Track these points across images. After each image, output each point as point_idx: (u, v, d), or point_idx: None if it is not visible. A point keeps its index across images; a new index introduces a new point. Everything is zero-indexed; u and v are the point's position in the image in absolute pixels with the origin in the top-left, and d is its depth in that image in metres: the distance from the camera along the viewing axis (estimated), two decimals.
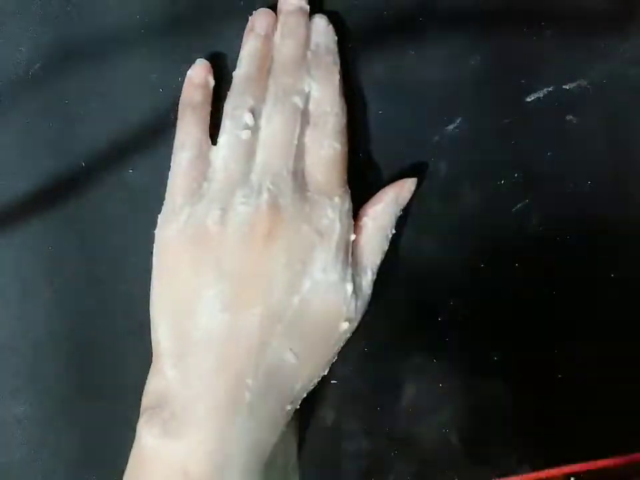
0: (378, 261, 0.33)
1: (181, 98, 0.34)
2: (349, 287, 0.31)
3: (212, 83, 0.34)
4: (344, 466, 0.35)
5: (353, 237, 0.32)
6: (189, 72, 0.34)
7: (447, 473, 0.36)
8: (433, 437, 0.35)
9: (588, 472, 0.35)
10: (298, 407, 0.32)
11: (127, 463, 0.31)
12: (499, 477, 0.35)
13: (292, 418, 0.32)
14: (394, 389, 0.35)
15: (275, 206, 0.31)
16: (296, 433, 0.35)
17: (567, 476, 0.36)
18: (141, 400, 0.31)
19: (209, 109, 0.33)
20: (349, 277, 0.32)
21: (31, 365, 0.35)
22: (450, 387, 0.35)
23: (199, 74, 0.33)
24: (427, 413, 0.35)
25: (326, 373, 0.33)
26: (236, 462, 0.29)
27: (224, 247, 0.30)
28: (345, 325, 0.32)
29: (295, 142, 0.32)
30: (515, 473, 0.35)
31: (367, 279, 0.33)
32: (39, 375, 0.35)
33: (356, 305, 0.32)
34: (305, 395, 0.32)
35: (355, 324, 0.32)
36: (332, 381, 0.35)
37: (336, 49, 0.33)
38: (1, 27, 0.35)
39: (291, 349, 0.31)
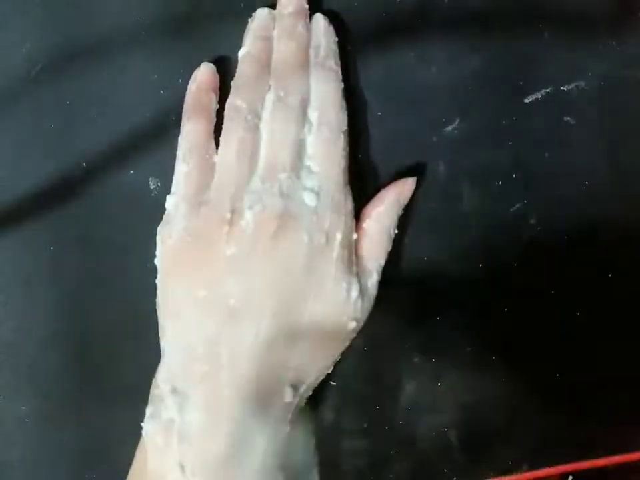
0: (382, 262, 0.33)
1: (185, 101, 0.33)
2: (355, 287, 0.32)
3: (217, 86, 0.34)
4: (344, 465, 0.35)
5: (354, 236, 0.32)
6: (193, 75, 0.33)
7: (446, 472, 0.36)
8: (432, 436, 0.35)
9: (587, 471, 0.35)
10: (303, 404, 0.32)
11: (127, 463, 0.31)
12: (498, 475, 0.36)
13: (305, 419, 0.32)
14: (393, 389, 0.35)
15: (279, 207, 0.31)
16: (311, 434, 0.35)
17: (566, 475, 0.36)
18: (140, 400, 0.31)
19: (214, 112, 0.33)
20: (355, 277, 0.32)
21: (32, 364, 0.35)
22: (449, 386, 0.35)
23: (204, 77, 0.33)
24: (426, 412, 0.35)
25: (329, 372, 0.33)
26: (243, 463, 0.30)
27: (230, 249, 0.31)
28: (351, 325, 0.32)
29: (297, 143, 0.32)
30: (514, 471, 0.35)
31: (372, 280, 0.33)
32: (40, 375, 0.35)
33: (362, 305, 0.32)
34: (310, 393, 0.32)
35: (361, 324, 0.32)
36: (331, 382, 0.35)
37: (336, 49, 0.33)
38: (1, 27, 0.35)
39: (297, 350, 0.31)
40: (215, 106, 0.33)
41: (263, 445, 0.30)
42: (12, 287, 0.35)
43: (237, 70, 0.33)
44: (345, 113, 0.33)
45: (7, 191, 0.34)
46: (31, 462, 0.35)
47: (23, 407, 0.35)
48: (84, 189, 0.35)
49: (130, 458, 0.31)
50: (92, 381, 0.35)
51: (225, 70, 0.34)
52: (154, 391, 0.31)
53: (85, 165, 0.34)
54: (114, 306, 0.35)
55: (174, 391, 0.30)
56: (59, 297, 0.35)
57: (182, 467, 0.29)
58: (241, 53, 0.33)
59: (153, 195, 0.34)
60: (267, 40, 0.33)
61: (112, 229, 0.35)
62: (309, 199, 0.31)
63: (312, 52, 0.33)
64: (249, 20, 0.34)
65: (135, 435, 0.31)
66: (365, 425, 0.35)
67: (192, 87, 0.33)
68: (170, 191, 0.33)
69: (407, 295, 0.35)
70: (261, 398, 0.30)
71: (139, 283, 0.33)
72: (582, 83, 0.35)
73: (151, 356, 0.32)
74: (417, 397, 0.35)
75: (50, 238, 0.35)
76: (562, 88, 0.35)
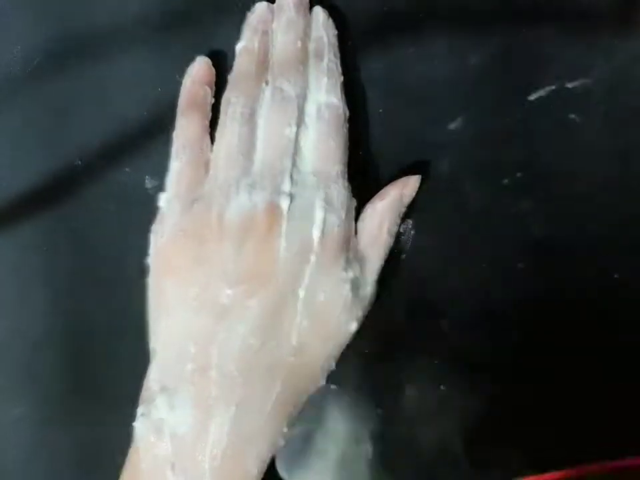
0: (382, 260, 0.33)
1: (180, 95, 0.34)
2: (354, 286, 0.31)
3: (213, 80, 0.33)
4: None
5: (354, 234, 0.32)
6: (189, 69, 0.34)
7: (449, 475, 0.35)
8: (434, 439, 0.35)
9: (592, 475, 0.35)
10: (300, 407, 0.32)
11: (122, 464, 0.31)
12: None
13: None
14: (395, 391, 0.35)
15: (274, 203, 0.30)
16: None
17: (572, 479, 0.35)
18: (135, 400, 0.31)
19: (209, 106, 0.33)
20: (353, 275, 0.31)
21: (30, 365, 0.35)
22: (451, 389, 0.35)
23: (199, 72, 0.33)
24: (428, 414, 0.35)
25: (325, 374, 0.32)
26: (235, 462, 0.29)
27: (224, 245, 0.30)
28: (349, 325, 0.32)
29: (294, 138, 0.31)
30: (516, 475, 0.35)
31: (372, 278, 0.32)
32: (38, 375, 0.35)
33: (361, 304, 0.32)
34: (305, 399, 0.32)
35: (360, 323, 0.32)
36: (332, 386, 0.34)
37: (336, 43, 0.33)
38: None
39: (291, 350, 0.30)
40: (211, 100, 0.33)
41: (256, 445, 0.30)
42: (6, 287, 0.35)
43: (234, 64, 0.33)
44: (345, 107, 0.33)
45: (2, 190, 0.35)
46: (26, 464, 0.35)
47: (17, 409, 0.35)
48: (79, 187, 0.35)
49: (125, 459, 0.31)
50: (87, 381, 0.35)
51: (223, 64, 0.34)
52: (145, 391, 0.31)
53: (80, 162, 0.35)
54: (109, 306, 0.35)
55: (164, 390, 0.30)
56: (54, 297, 0.35)
57: (173, 466, 0.29)
58: (238, 46, 0.33)
59: (149, 193, 0.34)
60: (266, 34, 0.33)
61: (107, 228, 0.35)
62: (306, 196, 0.31)
63: (311, 45, 0.33)
64: (248, 14, 0.34)
65: (130, 435, 0.31)
66: (365, 428, 0.35)
67: (187, 81, 0.33)
68: None
69: (407, 296, 0.35)
70: (252, 399, 0.30)
71: (134, 283, 0.33)
72: (587, 80, 0.34)
73: (146, 356, 0.32)
74: (419, 400, 0.35)
75: (45, 237, 0.35)
76: (567, 85, 0.34)
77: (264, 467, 0.30)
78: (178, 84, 0.34)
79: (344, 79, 0.33)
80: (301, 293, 0.30)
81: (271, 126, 0.32)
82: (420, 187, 0.33)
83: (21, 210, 0.34)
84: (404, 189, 0.33)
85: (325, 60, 0.32)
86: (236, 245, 0.30)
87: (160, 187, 0.33)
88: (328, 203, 0.31)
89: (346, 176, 0.32)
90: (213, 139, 0.33)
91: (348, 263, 0.31)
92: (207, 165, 0.32)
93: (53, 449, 0.35)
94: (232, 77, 0.33)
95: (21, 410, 0.35)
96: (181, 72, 0.34)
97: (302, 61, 0.32)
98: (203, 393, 0.30)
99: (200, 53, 0.34)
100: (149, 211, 0.32)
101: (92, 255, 0.35)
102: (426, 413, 0.35)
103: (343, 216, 0.31)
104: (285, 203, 0.30)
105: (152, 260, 0.32)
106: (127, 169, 0.34)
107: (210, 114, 0.33)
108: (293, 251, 0.30)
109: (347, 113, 0.33)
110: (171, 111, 0.34)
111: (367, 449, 0.34)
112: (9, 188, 0.34)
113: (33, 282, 0.35)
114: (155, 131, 0.34)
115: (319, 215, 0.31)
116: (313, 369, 0.32)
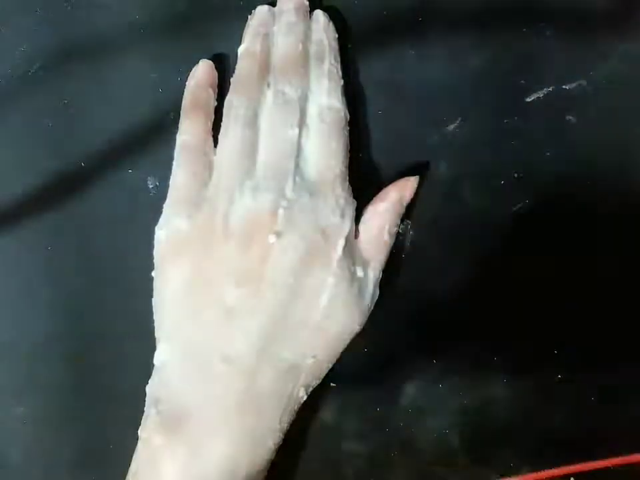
0: (383, 261, 0.33)
1: (184, 98, 0.34)
2: (355, 286, 0.31)
3: (216, 83, 0.34)
4: (344, 466, 0.35)
5: (355, 235, 0.32)
6: (192, 72, 0.34)
7: (447, 474, 0.35)
8: (432, 438, 0.35)
9: (588, 472, 0.35)
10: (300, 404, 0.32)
11: (126, 464, 0.31)
12: (499, 477, 0.35)
13: None
14: (394, 389, 0.35)
15: (277, 206, 0.30)
16: None
17: (567, 477, 0.36)
18: (140, 400, 0.31)
19: (212, 109, 0.33)
20: (355, 276, 0.31)
21: (31, 365, 0.35)
22: (450, 387, 0.35)
23: (202, 74, 0.33)
24: (427, 413, 0.35)
25: (326, 371, 0.32)
26: (243, 462, 0.30)
27: (228, 247, 0.30)
28: (352, 325, 0.32)
29: (296, 140, 0.32)
30: (515, 473, 0.35)
31: (373, 278, 0.32)
32: (39, 375, 0.35)
33: (363, 304, 0.32)
34: (305, 397, 0.32)
35: (362, 323, 0.32)
36: (332, 384, 0.35)
37: (336, 46, 0.33)
38: (0, 26, 0.35)
39: (294, 349, 0.31)
40: (214, 103, 0.33)
41: (262, 440, 0.30)
42: (9, 287, 0.35)
43: (236, 67, 0.33)
44: (346, 110, 0.33)
45: (5, 190, 0.35)
46: (30, 463, 0.35)
47: (22, 408, 0.35)
48: (82, 188, 0.35)
49: (129, 459, 0.31)
50: (91, 381, 0.35)
51: (225, 67, 0.34)
52: (151, 392, 0.31)
53: (83, 164, 0.35)
54: (112, 306, 0.35)
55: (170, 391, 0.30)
56: (58, 296, 0.35)
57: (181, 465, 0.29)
58: (240, 49, 0.33)
59: (151, 194, 0.34)
60: (267, 37, 0.33)
61: (110, 229, 0.35)
62: (308, 197, 0.31)
63: (312, 49, 0.33)
64: (249, 17, 0.34)
65: (134, 436, 0.31)
66: (365, 427, 0.35)
67: (190, 83, 0.34)
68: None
69: (407, 296, 0.35)
70: (256, 397, 0.30)
71: (137, 283, 0.33)
72: (584, 82, 0.35)
73: (149, 356, 0.31)
74: (417, 398, 0.35)
75: (48, 237, 0.35)
76: (564, 87, 0.35)
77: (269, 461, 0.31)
78: (180, 85, 0.34)
79: (344, 81, 0.33)
80: (304, 296, 0.30)
81: (273, 128, 0.32)
82: (418, 188, 0.34)
83: (25, 210, 0.34)
84: (403, 190, 0.33)
85: (326, 63, 0.33)
86: (240, 246, 0.30)
87: (162, 187, 0.33)
88: (330, 204, 0.31)
89: (347, 177, 0.32)
90: (216, 142, 0.33)
91: (350, 264, 0.31)
92: (210, 167, 0.32)
93: (54, 449, 0.35)
94: (234, 80, 0.33)
95: (22, 409, 0.35)
96: (183, 74, 0.34)
97: (303, 63, 0.33)
98: (209, 392, 0.30)
99: (202, 55, 0.34)
100: (151, 211, 0.32)
101: (95, 255, 0.35)
102: (424, 412, 0.35)
103: (345, 217, 0.31)
104: (288, 205, 0.31)
105: (157, 261, 0.32)
106: (129, 170, 0.34)
107: (213, 116, 0.33)
108: (297, 252, 0.30)
109: (348, 116, 0.33)
110: (173, 112, 0.34)
111: None
112: (13, 188, 0.34)
113: (37, 282, 0.35)
114: (157, 131, 0.34)
115: (321, 216, 0.31)
116: (313, 370, 0.32)
